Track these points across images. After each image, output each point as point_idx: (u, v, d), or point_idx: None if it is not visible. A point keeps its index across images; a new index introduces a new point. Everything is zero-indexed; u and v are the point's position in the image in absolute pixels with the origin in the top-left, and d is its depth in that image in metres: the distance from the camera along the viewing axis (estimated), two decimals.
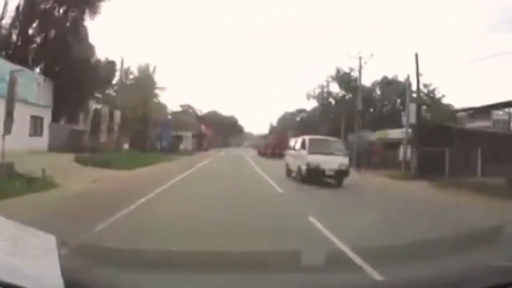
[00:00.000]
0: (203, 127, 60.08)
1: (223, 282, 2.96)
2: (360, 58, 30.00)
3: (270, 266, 3.40)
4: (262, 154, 39.91)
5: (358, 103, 30.05)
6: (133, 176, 14.45)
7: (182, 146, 41.81)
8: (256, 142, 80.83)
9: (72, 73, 24.38)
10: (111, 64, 31.74)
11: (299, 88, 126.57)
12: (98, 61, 29.62)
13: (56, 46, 24.64)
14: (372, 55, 30.09)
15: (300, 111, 58.37)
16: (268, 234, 5.52)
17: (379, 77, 41.35)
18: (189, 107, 63.49)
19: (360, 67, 30.44)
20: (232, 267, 3.40)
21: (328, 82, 41.97)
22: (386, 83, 40.62)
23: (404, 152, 21.47)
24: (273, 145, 38.29)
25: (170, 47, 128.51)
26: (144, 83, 34.38)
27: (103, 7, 27.14)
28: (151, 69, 35.85)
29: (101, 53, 35.21)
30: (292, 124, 57.55)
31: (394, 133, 29.21)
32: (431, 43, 72.26)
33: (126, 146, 30.22)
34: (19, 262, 1.29)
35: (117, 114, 27.01)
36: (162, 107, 40.35)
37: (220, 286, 2.64)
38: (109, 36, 78.42)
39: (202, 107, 79.94)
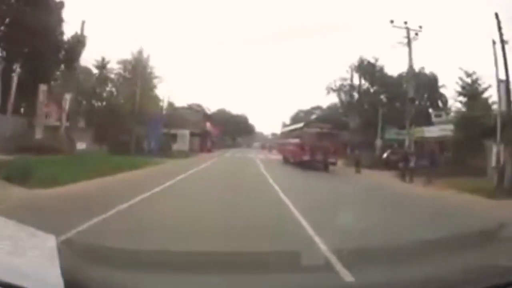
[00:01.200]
0: (207, 125, 54.28)
1: (223, 282, 2.96)
2: (407, 29, 23.11)
3: (269, 266, 3.40)
4: (295, 162, 24.43)
5: (409, 89, 23.89)
6: (27, 203, 7.75)
7: (176, 147, 34.60)
8: (271, 141, 69.27)
9: (30, 51, 19.39)
10: (78, 39, 23.90)
11: (310, 87, 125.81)
12: (61, 33, 22.77)
13: (12, 18, 19.78)
14: (420, 27, 23.42)
15: (315, 108, 56.15)
16: None
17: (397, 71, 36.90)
18: (198, 105, 59.62)
19: (409, 40, 23.39)
20: (231, 267, 3.40)
21: (354, 70, 36.59)
22: (413, 76, 36.77)
23: (498, 154, 15.33)
24: (315, 146, 22.91)
25: (182, 47, 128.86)
26: (136, 71, 30.08)
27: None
28: (145, 56, 31.80)
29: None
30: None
31: (431, 131, 26.24)
32: (439, 40, 71.02)
33: (83, 145, 22.54)
34: (19, 262, 1.29)
35: (66, 98, 19.77)
36: (159, 100, 35.53)
37: (219, 286, 2.64)
38: (121, 35, 78.09)
39: (212, 107, 75.35)
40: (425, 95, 35.71)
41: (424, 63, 33.84)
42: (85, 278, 1.41)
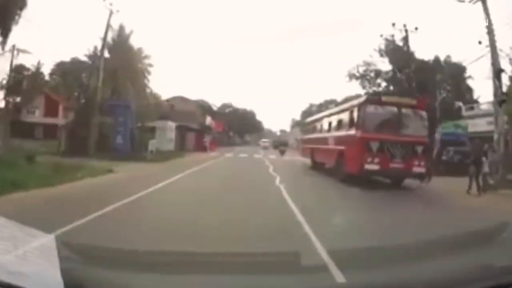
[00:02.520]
0: (208, 119, 48.45)
1: (221, 282, 2.96)
2: None
3: (268, 267, 3.39)
4: (346, 173, 12.51)
5: (494, 61, 14.67)
6: None
7: (153, 145, 24.13)
8: (283, 139, 55.98)
9: None
10: None
11: (319, 84, 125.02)
12: None
13: None
14: None
15: (329, 101, 54.49)
16: None
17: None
18: (203, 101, 57.40)
19: None
20: (229, 267, 3.40)
21: (382, 53, 32.26)
22: (440, 65, 32.34)
23: None
24: (391, 142, 11.60)
25: (193, 43, 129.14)
26: (116, 52, 25.28)
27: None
28: (127, 34, 27.14)
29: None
30: None
31: (478, 125, 22.21)
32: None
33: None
34: (19, 262, 1.29)
35: None
36: (148, 89, 29.64)
37: (219, 287, 2.64)
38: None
39: (219, 103, 71.83)
40: (448, 87, 33.15)
41: (449, 51, 31.03)
42: (85, 278, 1.41)
